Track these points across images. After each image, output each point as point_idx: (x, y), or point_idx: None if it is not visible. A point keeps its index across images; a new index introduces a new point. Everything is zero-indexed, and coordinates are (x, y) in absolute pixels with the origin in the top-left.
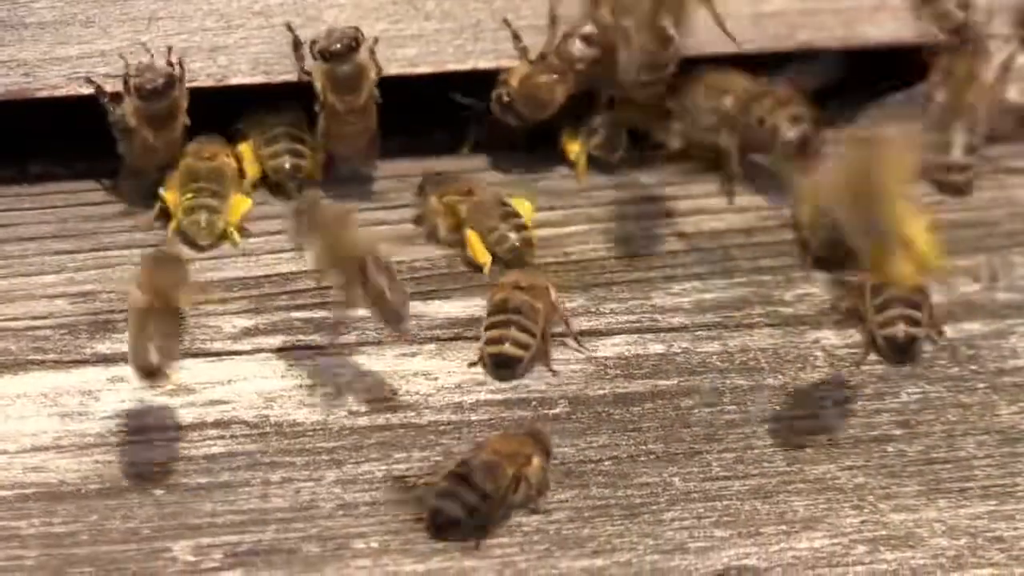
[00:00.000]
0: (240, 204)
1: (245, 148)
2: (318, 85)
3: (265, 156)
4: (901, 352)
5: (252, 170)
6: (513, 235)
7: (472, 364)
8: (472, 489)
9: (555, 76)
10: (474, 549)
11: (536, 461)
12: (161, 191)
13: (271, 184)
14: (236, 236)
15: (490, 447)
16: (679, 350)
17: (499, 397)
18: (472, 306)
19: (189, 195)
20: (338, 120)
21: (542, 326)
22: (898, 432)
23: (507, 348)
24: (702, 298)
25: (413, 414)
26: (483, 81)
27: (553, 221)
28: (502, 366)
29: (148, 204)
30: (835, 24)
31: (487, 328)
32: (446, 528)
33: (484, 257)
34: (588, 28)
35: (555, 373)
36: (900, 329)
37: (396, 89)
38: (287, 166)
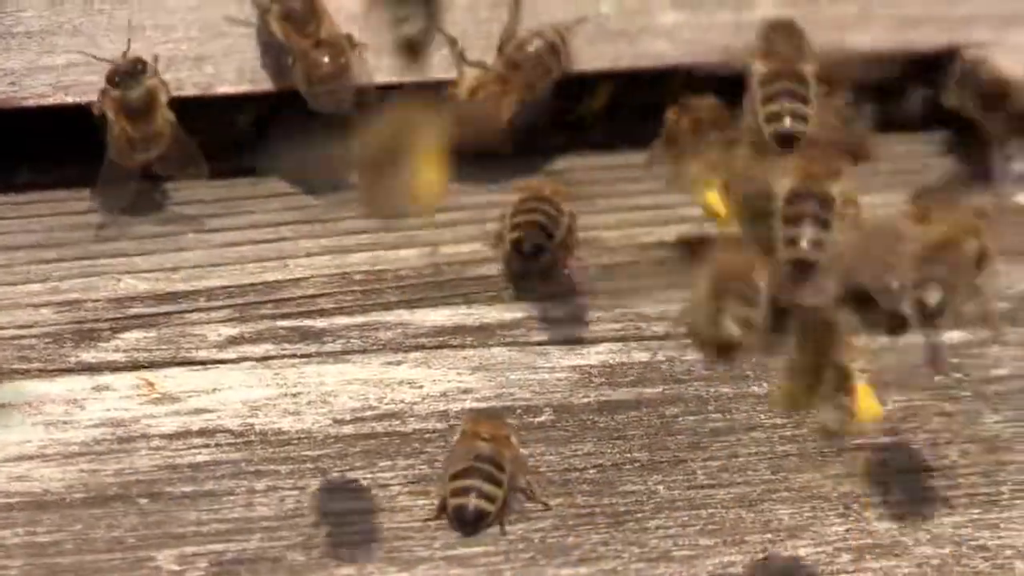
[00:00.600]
0: None
1: None
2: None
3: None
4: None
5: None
6: None
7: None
8: (485, 478)
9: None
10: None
11: (514, 439)
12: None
13: None
14: None
15: (474, 436)
16: (664, 358)
17: (484, 406)
18: (458, 314)
19: None
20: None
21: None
22: (883, 440)
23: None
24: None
25: (398, 422)
26: None
27: None
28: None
29: (129, 209)
30: (820, 31)
31: None
32: (473, 524)
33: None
34: None
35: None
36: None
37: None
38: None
